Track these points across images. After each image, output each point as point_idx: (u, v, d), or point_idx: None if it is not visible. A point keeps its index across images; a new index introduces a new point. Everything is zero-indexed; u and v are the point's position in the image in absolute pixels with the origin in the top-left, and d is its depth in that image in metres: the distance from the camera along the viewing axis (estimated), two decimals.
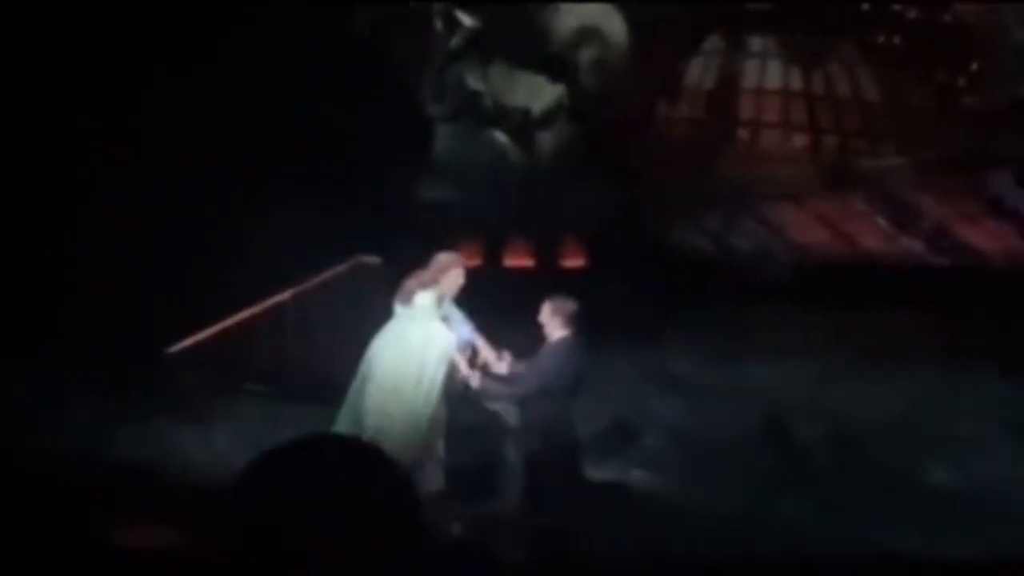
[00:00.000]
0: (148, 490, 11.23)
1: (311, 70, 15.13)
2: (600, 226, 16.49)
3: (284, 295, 12.22)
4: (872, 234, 17.59)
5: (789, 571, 9.72)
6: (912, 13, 17.79)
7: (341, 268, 11.60)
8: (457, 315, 11.37)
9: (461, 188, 15.55)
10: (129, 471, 11.57)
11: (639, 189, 17.01)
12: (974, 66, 17.80)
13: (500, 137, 16.75)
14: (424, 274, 11.20)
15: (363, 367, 11.14)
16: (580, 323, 11.06)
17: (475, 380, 11.11)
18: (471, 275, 11.85)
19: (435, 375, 11.06)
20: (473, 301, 11.69)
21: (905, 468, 12.17)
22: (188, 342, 12.41)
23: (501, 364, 11.21)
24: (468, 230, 14.63)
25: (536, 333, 10.97)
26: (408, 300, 11.12)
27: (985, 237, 17.43)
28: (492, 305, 12.14)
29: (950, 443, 12.52)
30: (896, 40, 17.85)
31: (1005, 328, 14.76)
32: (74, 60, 14.42)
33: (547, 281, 15.68)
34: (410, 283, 11.15)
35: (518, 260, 16.25)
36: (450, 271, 11.24)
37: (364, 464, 7.91)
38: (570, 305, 11.06)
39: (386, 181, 14.39)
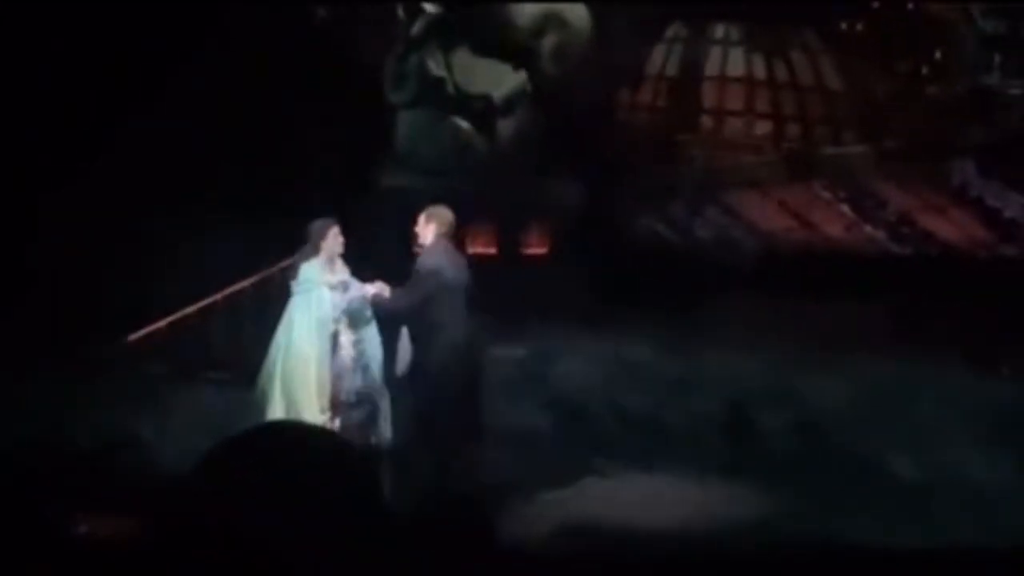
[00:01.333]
0: (109, 478, 11.20)
1: (272, 55, 15.13)
2: (562, 214, 16.52)
3: (244, 283, 12.23)
4: (835, 222, 17.65)
5: (746, 559, 9.73)
6: (876, 2, 17.84)
7: (297, 256, 11.61)
8: (351, 279, 11.49)
9: (422, 175, 15.51)
10: (89, 459, 11.47)
11: (601, 177, 16.98)
12: (938, 55, 17.88)
13: (462, 124, 16.69)
14: (305, 248, 11.30)
15: (271, 350, 11.34)
16: (454, 231, 11.28)
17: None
18: (464, 280, 11.94)
19: (317, 344, 11.21)
20: (468, 304, 11.75)
21: (867, 457, 12.17)
22: (148, 330, 12.40)
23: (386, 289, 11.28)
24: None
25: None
26: (296, 276, 11.29)
27: (949, 226, 17.51)
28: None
29: (912, 432, 12.51)
30: (859, 28, 17.93)
31: (968, 317, 14.81)
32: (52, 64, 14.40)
33: (509, 268, 15.76)
34: (296, 260, 11.30)
35: (480, 248, 16.21)
36: (327, 235, 11.33)
37: (321, 448, 7.97)
38: (444, 212, 11.20)
39: (347, 168, 14.35)
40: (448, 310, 11.16)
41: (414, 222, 11.35)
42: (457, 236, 15.11)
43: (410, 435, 11.25)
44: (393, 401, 11.35)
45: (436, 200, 12.17)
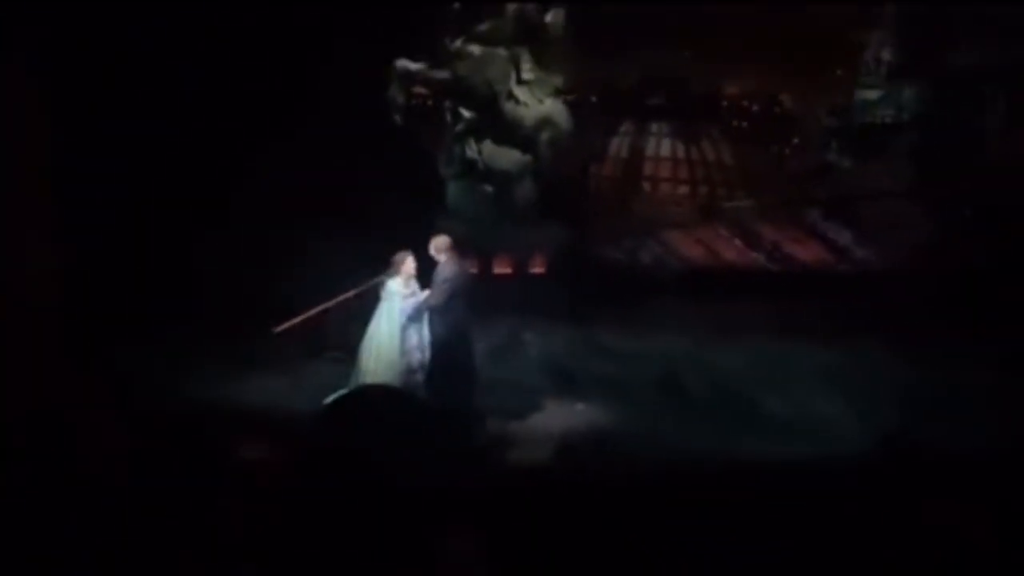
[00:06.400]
0: (259, 424, 11.21)
1: (369, 148, 15.13)
2: (553, 247, 16.48)
3: (350, 293, 12.18)
4: (731, 250, 17.55)
5: (678, 472, 9.73)
6: (755, 107, 17.78)
7: (384, 276, 11.61)
8: (419, 290, 11.52)
9: (464, 222, 15.49)
10: (245, 410, 11.58)
11: (579, 222, 17.00)
12: (796, 140, 17.82)
13: (488, 189, 16.72)
14: (390, 270, 11.39)
15: (365, 338, 11.28)
16: (454, 250, 11.36)
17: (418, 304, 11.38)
18: (473, 279, 11.96)
19: (397, 335, 11.30)
20: (474, 295, 11.75)
21: (754, 402, 12.23)
22: (288, 324, 12.35)
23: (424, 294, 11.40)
24: (468, 250, 14.60)
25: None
26: (383, 289, 11.38)
27: (804, 252, 17.44)
28: (484, 296, 12.25)
29: (782, 387, 12.52)
30: (745, 124, 17.85)
31: (819, 311, 14.79)
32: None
33: (521, 284, 15.75)
34: (384, 278, 11.41)
35: (502, 269, 16.24)
36: (405, 262, 11.42)
37: (396, 399, 8.04)
38: (444, 240, 11.23)
39: (416, 218, 14.32)
40: (457, 302, 11.29)
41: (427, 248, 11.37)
42: (488, 264, 15.26)
43: (436, 385, 11.33)
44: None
45: (465, 237, 12.29)
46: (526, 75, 16.67)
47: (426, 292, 11.42)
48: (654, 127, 18.03)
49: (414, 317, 11.42)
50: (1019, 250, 15.17)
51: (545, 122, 16.71)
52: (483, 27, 16.57)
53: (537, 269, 16.43)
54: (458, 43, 16.64)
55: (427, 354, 11.44)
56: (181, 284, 13.70)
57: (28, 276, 11.91)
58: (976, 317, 13.77)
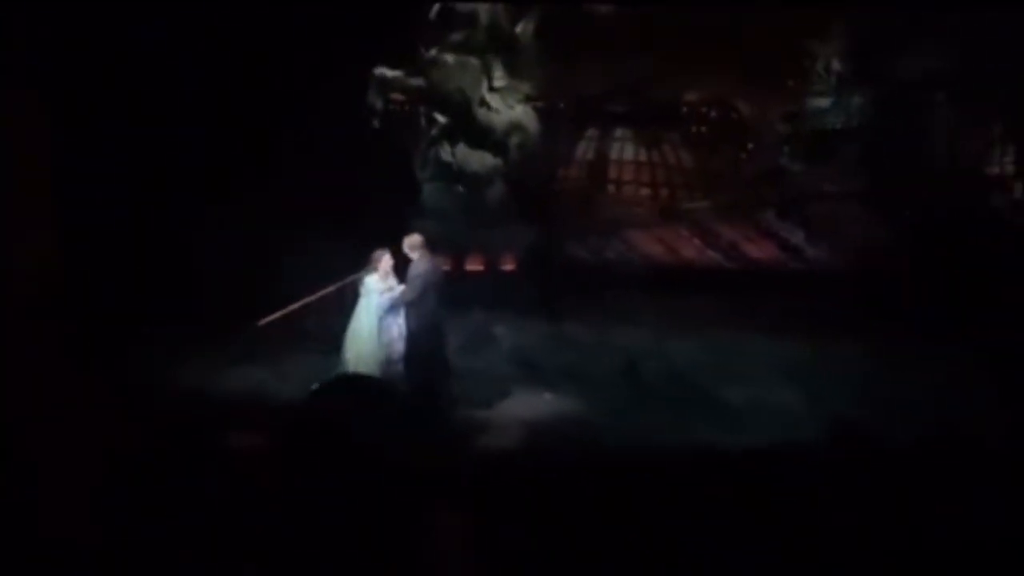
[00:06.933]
0: (245, 410, 11.28)
1: (349, 151, 15.13)
2: (523, 245, 16.56)
3: (331, 288, 12.21)
4: (690, 249, 17.61)
5: (637, 456, 9.79)
6: (713, 114, 17.78)
7: (363, 272, 11.67)
8: (396, 285, 11.63)
9: (438, 221, 15.53)
10: (232, 400, 11.72)
11: (547, 222, 17.06)
12: (750, 146, 17.83)
13: (462, 191, 16.79)
14: (368, 266, 11.47)
15: (347, 331, 11.36)
16: (427, 247, 11.51)
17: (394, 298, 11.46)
18: (446, 275, 12.02)
19: (376, 327, 11.41)
20: (446, 290, 11.81)
21: (709, 390, 12.37)
22: (273, 316, 12.37)
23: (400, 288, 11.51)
24: (442, 248, 14.64)
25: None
26: (361, 284, 11.48)
27: (758, 251, 17.53)
28: (457, 291, 12.32)
29: (734, 376, 12.71)
30: (703, 130, 17.86)
31: (773, 307, 14.88)
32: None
33: (492, 280, 15.80)
34: (362, 275, 11.49)
35: (474, 266, 16.32)
36: (382, 260, 11.52)
37: (375, 388, 8.13)
38: (416, 238, 11.34)
39: (394, 218, 14.34)
40: (430, 296, 11.36)
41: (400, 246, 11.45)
42: (461, 260, 15.29)
43: (412, 374, 11.39)
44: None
45: (439, 236, 12.34)
46: (497, 82, 16.77)
47: (402, 287, 11.53)
48: (618, 132, 17.99)
49: (391, 311, 11.53)
50: (958, 251, 15.34)
51: (515, 127, 16.81)
52: (457, 37, 16.64)
53: (508, 266, 16.51)
54: (433, 51, 16.70)
55: (403, 345, 11.55)
56: (167, 280, 13.69)
57: (17, 272, 11.89)
58: (918, 314, 13.91)
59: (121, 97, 13.85)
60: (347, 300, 11.98)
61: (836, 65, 17.30)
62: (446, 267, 13.02)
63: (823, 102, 17.42)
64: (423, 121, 16.86)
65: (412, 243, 11.50)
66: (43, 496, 6.98)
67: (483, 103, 16.74)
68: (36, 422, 8.63)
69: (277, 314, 12.47)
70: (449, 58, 16.65)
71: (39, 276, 11.99)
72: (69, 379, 10.73)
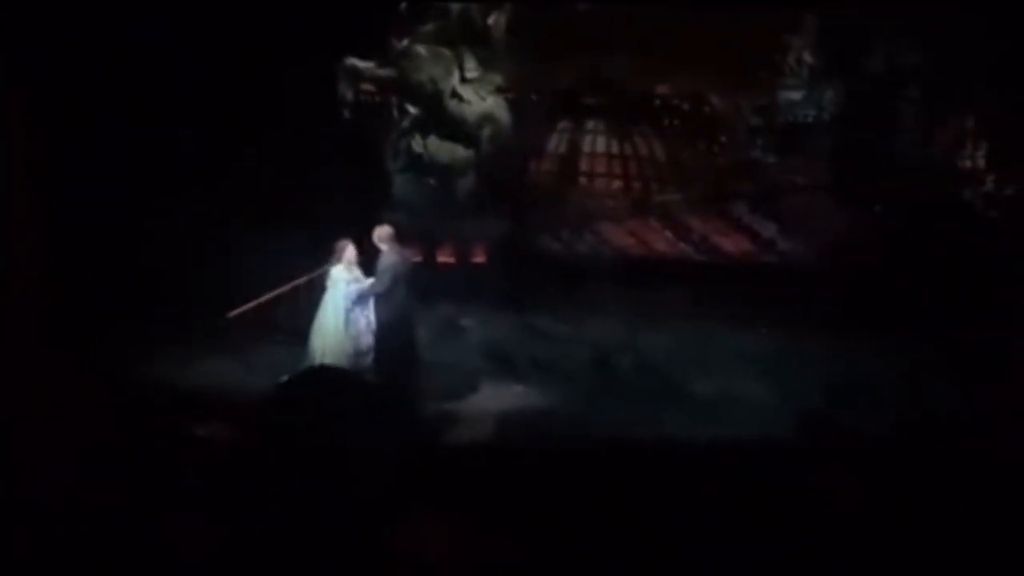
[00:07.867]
0: (214, 402, 11.20)
1: (319, 140, 15.05)
2: (494, 237, 16.53)
3: (300, 280, 12.18)
4: (662, 242, 17.63)
5: (610, 447, 9.81)
6: (685, 106, 17.84)
7: (328, 264, 11.62)
8: (361, 276, 11.55)
9: (409, 213, 15.50)
10: (202, 392, 11.55)
11: (518, 214, 17.05)
12: (723, 138, 17.90)
13: (433, 182, 16.73)
14: (332, 257, 11.44)
15: (314, 323, 11.40)
16: (396, 239, 11.43)
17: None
18: (416, 267, 11.98)
19: (343, 319, 11.35)
20: (416, 282, 11.77)
21: (679, 382, 12.38)
22: (241, 309, 12.36)
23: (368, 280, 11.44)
24: (414, 239, 14.61)
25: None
26: (327, 276, 11.43)
27: (730, 243, 17.58)
28: (428, 284, 12.27)
29: (705, 369, 12.72)
30: (675, 123, 17.91)
31: (742, 299, 14.86)
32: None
33: (463, 272, 15.79)
34: (327, 267, 11.46)
35: (445, 258, 16.29)
36: (346, 249, 11.48)
37: (342, 380, 8.05)
38: (386, 230, 11.32)
39: (364, 209, 14.29)
40: (400, 288, 11.31)
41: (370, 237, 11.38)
42: (433, 252, 15.25)
43: (382, 366, 11.36)
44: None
45: (410, 228, 12.28)
46: (469, 74, 16.73)
47: (371, 279, 11.48)
48: (590, 125, 18.04)
49: (360, 302, 11.48)
50: (929, 244, 15.42)
51: (487, 119, 16.76)
52: (428, 27, 16.61)
53: (478, 259, 16.48)
54: (405, 42, 16.64)
55: (372, 336, 11.51)
56: (136, 272, 13.49)
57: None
58: (886, 306, 13.98)
59: (85, 94, 13.68)
60: (316, 292, 11.93)
61: (808, 58, 17.40)
62: (416, 259, 13.00)
63: (795, 95, 17.51)
64: (394, 112, 16.80)
65: (381, 234, 11.44)
66: (10, 489, 6.93)
67: (455, 94, 16.70)
68: (10, 415, 8.56)
69: (247, 306, 12.42)
70: (421, 49, 16.61)
71: (11, 271, 11.88)
72: (41, 373, 10.62)
